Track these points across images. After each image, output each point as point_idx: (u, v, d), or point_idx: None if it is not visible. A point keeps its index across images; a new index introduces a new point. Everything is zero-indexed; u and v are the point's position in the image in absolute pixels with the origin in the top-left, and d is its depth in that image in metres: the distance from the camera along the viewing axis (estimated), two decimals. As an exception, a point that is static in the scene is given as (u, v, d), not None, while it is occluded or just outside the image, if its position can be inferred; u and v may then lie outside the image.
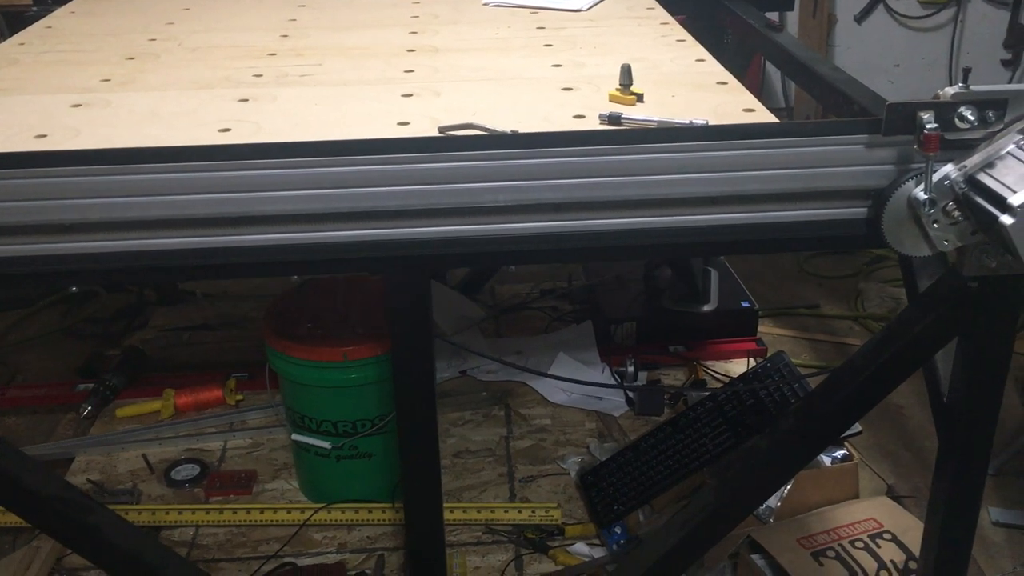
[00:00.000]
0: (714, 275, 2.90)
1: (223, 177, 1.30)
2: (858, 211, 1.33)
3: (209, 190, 1.30)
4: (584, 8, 2.38)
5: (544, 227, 1.35)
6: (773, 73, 4.43)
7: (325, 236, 1.34)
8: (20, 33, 2.23)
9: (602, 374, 2.71)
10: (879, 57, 4.53)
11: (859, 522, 2.00)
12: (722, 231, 1.35)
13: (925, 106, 1.23)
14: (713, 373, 2.72)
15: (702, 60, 1.94)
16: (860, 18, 4.49)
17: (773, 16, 2.73)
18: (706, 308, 2.88)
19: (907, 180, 1.28)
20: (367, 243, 1.35)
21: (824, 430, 1.55)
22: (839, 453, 2.12)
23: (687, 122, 1.48)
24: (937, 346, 1.50)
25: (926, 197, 1.25)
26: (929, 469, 1.69)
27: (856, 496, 2.13)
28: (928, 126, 1.21)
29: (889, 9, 4.47)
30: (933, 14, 4.47)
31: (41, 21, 2.34)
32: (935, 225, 1.28)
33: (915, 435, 2.64)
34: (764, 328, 3.05)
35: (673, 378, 2.75)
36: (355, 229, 1.34)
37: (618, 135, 1.38)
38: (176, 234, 1.32)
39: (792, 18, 4.29)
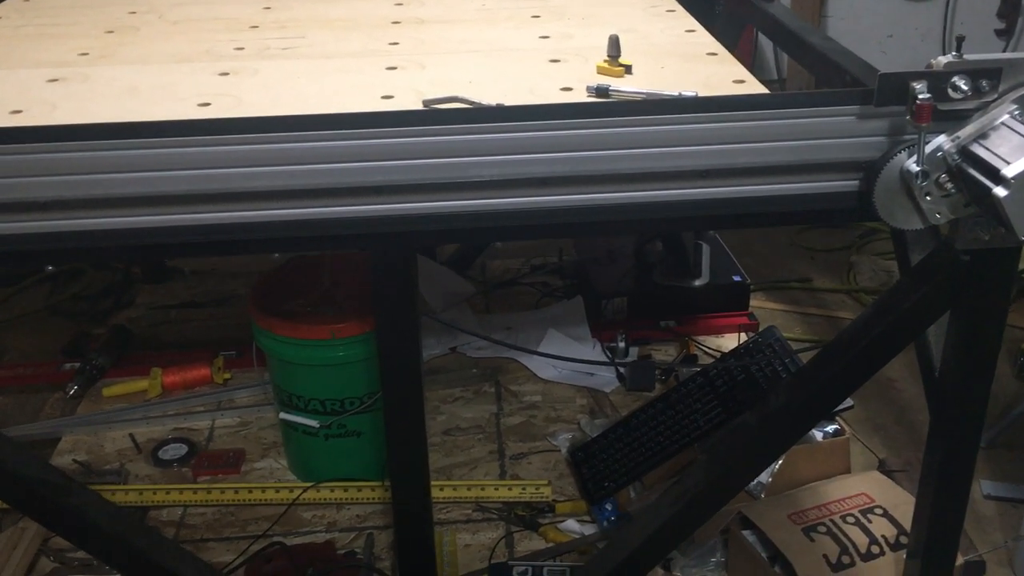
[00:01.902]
0: (705, 249, 2.87)
1: (202, 153, 1.27)
2: (850, 183, 1.31)
3: (188, 166, 1.27)
4: (573, -22, 2.34)
5: (531, 202, 1.33)
6: (766, 44, 4.39)
7: (307, 213, 1.31)
8: (-2, 6, 2.19)
9: (593, 350, 2.69)
10: (872, 27, 4.50)
11: (850, 497, 2.00)
12: (712, 205, 1.33)
13: (918, 76, 1.21)
14: (705, 348, 2.71)
15: (692, 31, 1.91)
16: (853, -12, 4.45)
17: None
18: (697, 283, 2.86)
19: (899, 152, 1.25)
20: (350, 219, 1.32)
21: (815, 406, 1.54)
22: (831, 428, 2.11)
23: (676, 94, 1.45)
24: (929, 320, 1.48)
25: (918, 169, 1.23)
26: (921, 443, 1.68)
27: (848, 471, 2.13)
28: (921, 96, 1.19)
29: (883, -21, 4.43)
30: (927, -16, 4.43)
31: (19, -7, 2.29)
32: (927, 198, 1.26)
33: (907, 409, 2.63)
34: (756, 302, 3.03)
35: (664, 353, 2.73)
36: (338, 205, 1.31)
37: (605, 108, 1.36)
38: (156, 211, 1.29)
39: (787, -13, 4.25)
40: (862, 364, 1.49)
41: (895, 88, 1.21)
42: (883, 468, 2.25)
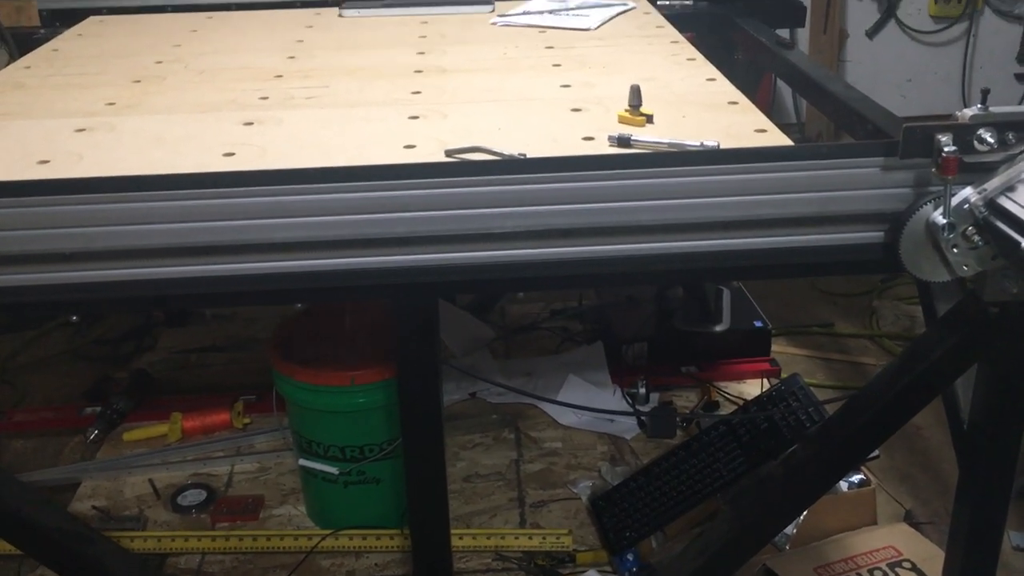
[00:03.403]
0: (726, 294, 2.86)
1: (228, 204, 1.28)
2: (874, 235, 1.31)
3: (214, 217, 1.28)
4: (593, 27, 2.36)
5: (554, 253, 1.33)
6: (784, 88, 4.40)
7: (331, 264, 1.32)
8: (26, 56, 2.23)
9: (613, 395, 2.67)
10: (891, 72, 4.50)
11: (878, 550, 1.96)
12: (736, 256, 1.32)
13: (943, 128, 1.21)
14: (726, 394, 2.69)
15: (713, 79, 1.91)
16: (871, 33, 4.46)
17: (784, 32, 2.71)
18: (718, 328, 2.84)
19: (925, 204, 1.25)
20: (373, 271, 1.32)
21: (843, 458, 1.52)
22: (856, 478, 2.08)
23: (698, 144, 1.46)
24: (957, 372, 1.46)
25: (945, 222, 1.22)
26: (949, 493, 1.65)
27: (874, 522, 2.09)
28: (946, 149, 1.19)
29: (901, 24, 4.44)
30: (945, 28, 4.44)
31: (48, 44, 2.34)
32: (954, 250, 1.25)
33: (933, 457, 2.59)
34: (777, 347, 3.01)
35: (685, 399, 2.71)
36: (361, 256, 1.32)
37: (628, 159, 1.36)
38: (180, 262, 1.30)
39: (803, 33, 4.26)
40: (890, 416, 1.46)
41: (920, 140, 1.21)
42: (910, 520, 2.21)
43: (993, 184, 1.22)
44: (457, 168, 1.36)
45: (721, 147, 1.42)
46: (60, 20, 2.63)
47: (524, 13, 2.49)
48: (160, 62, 2.12)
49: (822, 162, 1.27)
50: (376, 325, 2.19)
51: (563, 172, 1.31)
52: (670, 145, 1.48)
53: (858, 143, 1.42)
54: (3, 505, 1.44)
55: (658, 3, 2.66)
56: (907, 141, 1.21)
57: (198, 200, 1.28)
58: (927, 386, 1.45)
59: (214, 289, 1.32)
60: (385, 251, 1.32)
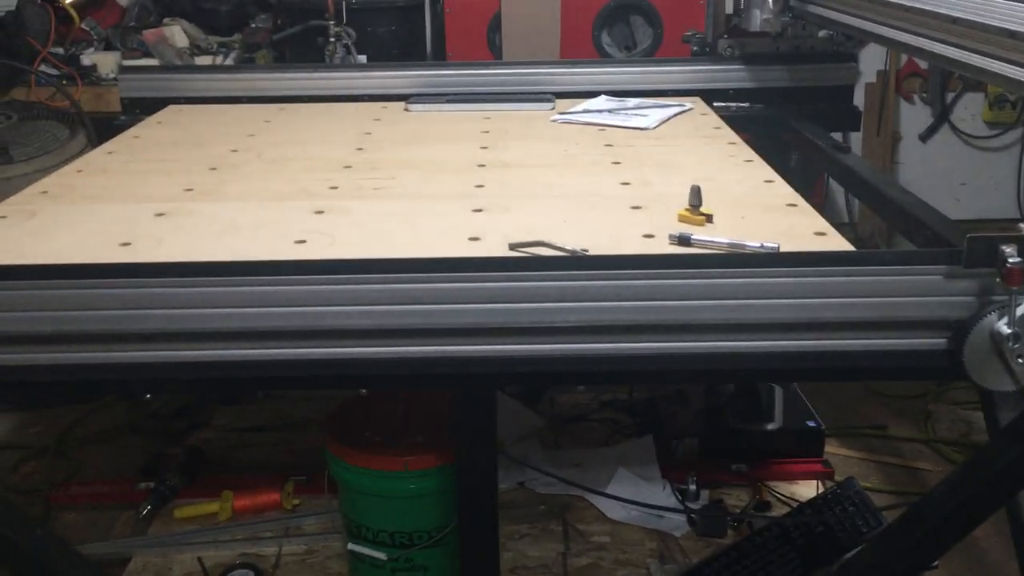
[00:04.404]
0: (779, 392, 2.84)
1: (301, 291, 1.33)
2: (937, 342, 1.31)
3: (286, 304, 1.33)
4: (651, 127, 2.42)
5: (614, 348, 1.35)
6: (836, 187, 4.43)
7: (397, 351, 1.35)
8: (109, 142, 2.34)
9: (663, 491, 2.64)
10: (944, 175, 4.51)
11: (936, 665, 1.90)
12: (796, 358, 1.33)
13: (1007, 239, 1.22)
14: (778, 494, 2.64)
15: (771, 181, 1.94)
16: (925, 136, 4.50)
17: (838, 135, 2.74)
18: (770, 426, 2.81)
19: (989, 313, 1.25)
20: (437, 360, 1.35)
21: (904, 567, 1.49)
22: (914, 588, 2.03)
23: (758, 245, 1.48)
24: (1022, 483, 1.44)
25: (1010, 332, 1.22)
26: (1010, 609, 1.60)
27: (932, 635, 2.02)
28: (1011, 260, 1.20)
29: (954, 128, 4.47)
30: (999, 134, 4.46)
31: (129, 130, 2.45)
32: (1020, 360, 1.24)
33: (992, 570, 2.51)
34: (830, 448, 2.96)
35: (736, 498, 2.67)
36: (426, 346, 1.35)
37: (690, 259, 1.39)
38: (254, 345, 1.34)
39: (856, 136, 4.31)
40: (952, 526, 1.44)
41: (985, 250, 1.22)
42: (970, 634, 2.13)
43: (1058, 295, 1.22)
44: (522, 263, 1.40)
45: (781, 249, 1.45)
46: (140, 108, 2.76)
47: (584, 111, 2.56)
48: (235, 151, 2.22)
49: (885, 268, 1.29)
50: (430, 411, 2.21)
51: (626, 270, 1.34)
52: (730, 246, 1.51)
53: (921, 251, 1.44)
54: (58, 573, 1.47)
55: (715, 104, 2.73)
56: (971, 251, 1.23)
57: (273, 287, 1.32)
58: (990, 497, 1.43)
59: (285, 373, 1.35)
60: (450, 341, 1.35)
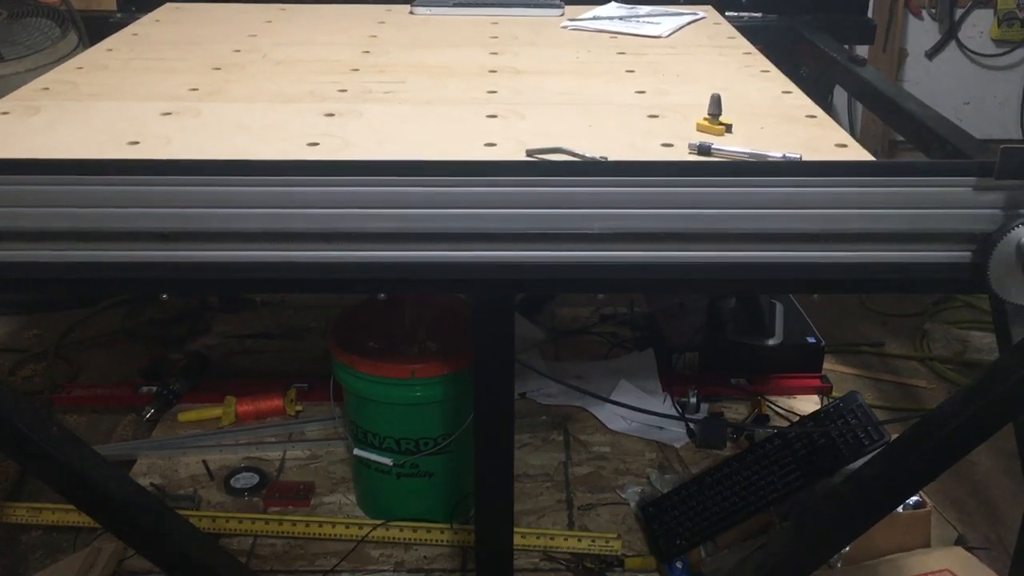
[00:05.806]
0: (779, 308, 2.85)
1: (317, 192, 1.30)
2: (962, 255, 1.30)
3: (302, 205, 1.30)
4: (664, 35, 2.37)
5: (637, 256, 1.33)
6: (839, 104, 4.37)
7: (416, 256, 1.33)
8: (108, 39, 2.27)
9: (663, 404, 2.67)
10: (949, 93, 4.46)
11: (934, 573, 1.94)
12: (819, 269, 1.32)
13: (1042, 151, 1.20)
14: (777, 408, 2.67)
15: (789, 92, 1.91)
16: (931, 54, 4.43)
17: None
18: (771, 342, 2.83)
19: (1017, 226, 1.24)
20: (457, 264, 1.34)
21: (911, 479, 1.51)
22: (912, 499, 2.06)
23: (780, 156, 1.46)
24: (1033, 399, 1.45)
25: (1038, 244, 1.21)
26: (1000, 521, 1.63)
27: (927, 545, 2.07)
28: (1045, 172, 1.18)
29: (961, 46, 4.40)
30: (1007, 52, 4.40)
31: (128, 28, 2.38)
32: (1045, 274, 1.24)
33: (983, 483, 2.56)
34: (827, 365, 2.98)
35: (735, 411, 2.70)
36: (445, 250, 1.33)
37: (713, 167, 1.36)
38: (269, 247, 1.32)
39: (862, 51, 4.22)
40: (960, 440, 1.45)
41: (1019, 163, 1.20)
42: (963, 543, 2.19)
43: (1088, 209, 1.21)
44: (542, 168, 1.38)
45: (803, 159, 1.43)
46: (136, 5, 2.68)
47: (594, 18, 2.50)
48: (238, 51, 2.16)
49: (914, 179, 1.27)
50: (438, 319, 2.21)
51: (647, 176, 1.31)
52: (751, 156, 1.48)
53: (951, 161, 1.42)
54: (78, 473, 1.47)
55: (727, 13, 2.66)
56: (1005, 163, 1.21)
57: (289, 187, 1.30)
58: (1000, 412, 1.44)
59: (300, 275, 1.34)
60: (469, 246, 1.33)
